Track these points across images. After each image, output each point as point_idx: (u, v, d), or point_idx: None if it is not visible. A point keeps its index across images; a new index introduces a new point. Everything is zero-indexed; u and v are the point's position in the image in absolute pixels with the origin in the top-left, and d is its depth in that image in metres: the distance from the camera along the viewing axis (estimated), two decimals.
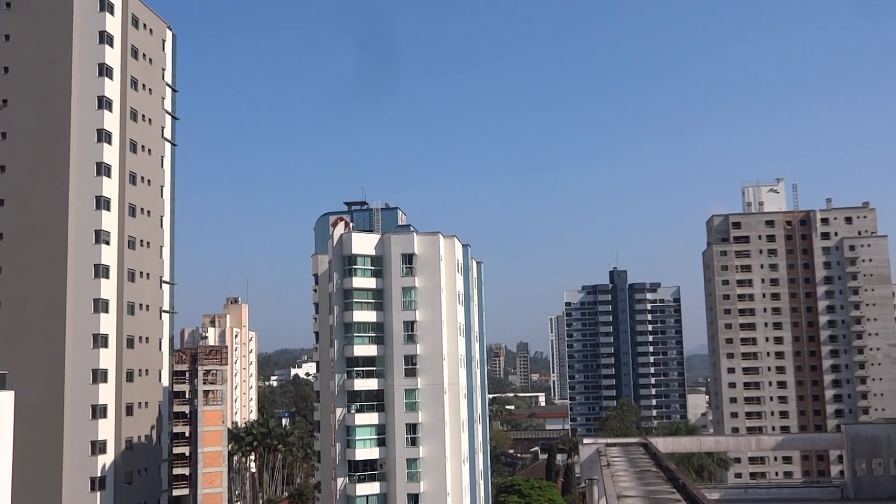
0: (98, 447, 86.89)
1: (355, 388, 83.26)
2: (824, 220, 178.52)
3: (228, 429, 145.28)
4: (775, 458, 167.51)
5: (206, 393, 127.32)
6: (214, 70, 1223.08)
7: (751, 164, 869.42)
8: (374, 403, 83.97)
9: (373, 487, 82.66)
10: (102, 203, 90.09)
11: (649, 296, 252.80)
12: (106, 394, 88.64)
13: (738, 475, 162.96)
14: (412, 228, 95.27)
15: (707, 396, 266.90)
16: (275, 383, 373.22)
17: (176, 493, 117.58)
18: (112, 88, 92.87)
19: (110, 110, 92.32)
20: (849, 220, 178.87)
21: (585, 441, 79.71)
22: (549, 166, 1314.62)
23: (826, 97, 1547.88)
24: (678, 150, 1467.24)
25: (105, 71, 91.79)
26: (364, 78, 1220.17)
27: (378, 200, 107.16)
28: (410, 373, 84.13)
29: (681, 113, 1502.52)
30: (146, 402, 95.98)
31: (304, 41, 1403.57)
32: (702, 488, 55.72)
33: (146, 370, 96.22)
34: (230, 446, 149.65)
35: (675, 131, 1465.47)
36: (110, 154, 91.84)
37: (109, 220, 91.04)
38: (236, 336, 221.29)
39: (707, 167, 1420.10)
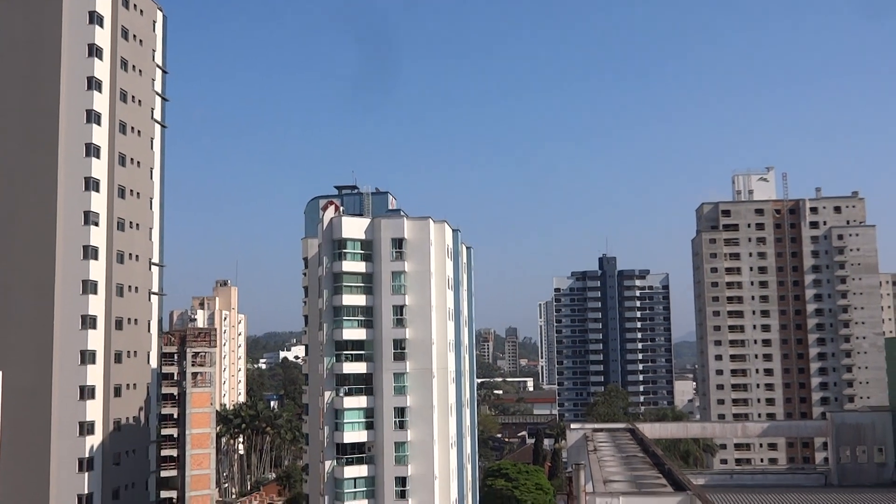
0: (86, 428, 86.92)
1: (344, 372, 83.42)
2: (813, 209, 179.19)
3: (217, 411, 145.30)
4: (761, 445, 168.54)
5: (194, 375, 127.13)
6: (207, 51, 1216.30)
7: (741, 152, 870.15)
8: (363, 387, 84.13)
9: (360, 470, 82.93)
10: (91, 184, 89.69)
11: (638, 282, 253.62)
12: (94, 375, 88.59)
13: (724, 461, 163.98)
14: (402, 213, 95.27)
15: (694, 383, 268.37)
16: (263, 366, 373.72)
17: (164, 474, 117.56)
18: (102, 69, 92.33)
19: (100, 91, 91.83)
20: (838, 209, 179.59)
21: (573, 426, 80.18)
22: (540, 153, 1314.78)
23: (817, 87, 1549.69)
24: (669, 138, 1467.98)
25: (95, 51, 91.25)
26: (357, 63, 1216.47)
27: (368, 185, 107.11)
28: (399, 357, 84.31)
29: (672, 101, 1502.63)
30: (134, 384, 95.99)
31: (297, 25, 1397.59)
32: (687, 474, 56.13)
33: (135, 352, 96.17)
34: (218, 428, 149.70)
35: (667, 119, 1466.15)
36: (100, 135, 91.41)
37: (98, 202, 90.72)
38: (225, 319, 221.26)
39: (698, 155, 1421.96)
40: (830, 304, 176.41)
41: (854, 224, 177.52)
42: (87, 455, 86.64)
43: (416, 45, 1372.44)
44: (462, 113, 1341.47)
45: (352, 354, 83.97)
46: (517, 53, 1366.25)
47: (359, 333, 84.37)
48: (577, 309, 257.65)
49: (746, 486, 72.22)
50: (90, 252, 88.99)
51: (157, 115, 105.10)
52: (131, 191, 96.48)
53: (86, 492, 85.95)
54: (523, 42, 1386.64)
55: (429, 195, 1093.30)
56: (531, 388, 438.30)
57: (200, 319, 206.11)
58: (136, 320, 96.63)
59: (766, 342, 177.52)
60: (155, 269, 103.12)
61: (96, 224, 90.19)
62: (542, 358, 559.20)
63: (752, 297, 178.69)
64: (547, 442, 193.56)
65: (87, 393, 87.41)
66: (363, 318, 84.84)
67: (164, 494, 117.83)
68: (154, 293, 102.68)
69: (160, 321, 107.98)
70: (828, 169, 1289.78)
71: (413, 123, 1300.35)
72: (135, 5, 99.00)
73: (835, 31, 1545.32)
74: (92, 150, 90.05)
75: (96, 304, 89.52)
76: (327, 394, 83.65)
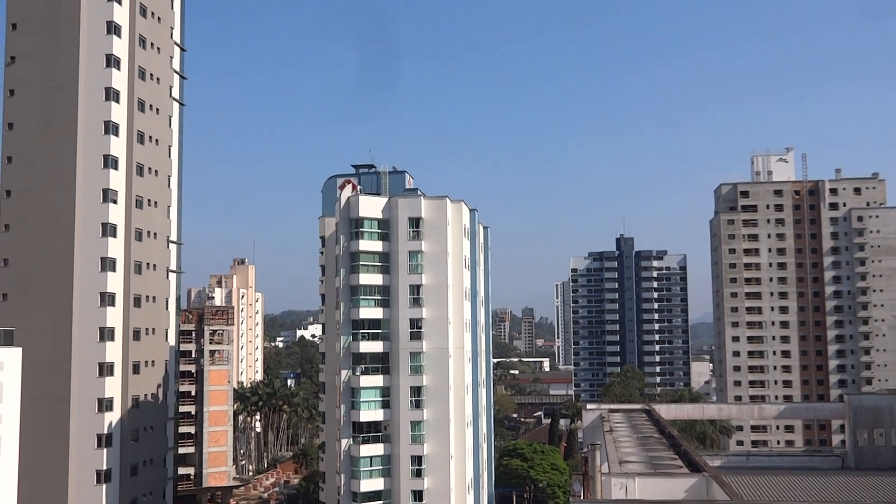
0: (105, 404, 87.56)
1: (361, 351, 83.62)
2: (833, 191, 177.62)
3: (234, 389, 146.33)
4: (777, 427, 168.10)
5: (212, 353, 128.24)
6: (225, 29, 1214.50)
7: (761, 133, 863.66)
8: (380, 366, 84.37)
9: (377, 449, 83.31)
10: (110, 162, 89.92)
11: (655, 263, 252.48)
12: (113, 352, 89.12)
13: (740, 443, 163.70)
14: (419, 192, 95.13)
15: (711, 364, 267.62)
16: (280, 344, 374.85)
17: (182, 451, 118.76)
18: (120, 46, 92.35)
19: (118, 69, 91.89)
20: (857, 190, 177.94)
21: (589, 406, 79.94)
22: (558, 133, 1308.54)
23: (837, 69, 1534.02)
24: (689, 119, 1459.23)
25: (113, 29, 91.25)
26: (377, 43, 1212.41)
27: (385, 164, 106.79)
28: (416, 336, 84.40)
29: (693, 82, 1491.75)
30: (153, 361, 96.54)
31: (317, 4, 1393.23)
32: (703, 455, 56.04)
33: (153, 329, 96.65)
34: (235, 406, 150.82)
35: (687, 99, 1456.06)
36: (118, 113, 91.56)
37: (117, 179, 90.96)
38: (243, 297, 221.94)
39: (717, 136, 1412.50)
40: (849, 285, 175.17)
41: (874, 206, 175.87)
42: (105, 431, 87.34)
43: (439, 24, 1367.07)
44: (478, 96, 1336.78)
45: (368, 333, 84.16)
46: (534, 38, 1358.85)
47: (375, 312, 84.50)
48: (594, 289, 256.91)
49: (763, 467, 72.00)
50: (109, 229, 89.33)
51: (176, 93, 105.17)
52: (149, 168, 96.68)
53: (104, 467, 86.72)
54: (541, 26, 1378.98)
55: (446, 176, 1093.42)
56: (547, 369, 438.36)
57: (218, 298, 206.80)
58: (154, 298, 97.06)
59: (784, 324, 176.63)
60: (173, 247, 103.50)
61: (115, 202, 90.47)
62: (558, 338, 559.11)
63: (770, 279, 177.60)
64: (563, 422, 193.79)
65: (105, 370, 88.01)
66: (380, 298, 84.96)
67: (181, 471, 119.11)
68: (172, 271, 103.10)
69: (178, 299, 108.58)
70: (848, 150, 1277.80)
71: (430, 106, 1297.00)
72: None
73: (857, 15, 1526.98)
74: (110, 128, 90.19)
75: (115, 282, 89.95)
76: (344, 372, 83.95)
